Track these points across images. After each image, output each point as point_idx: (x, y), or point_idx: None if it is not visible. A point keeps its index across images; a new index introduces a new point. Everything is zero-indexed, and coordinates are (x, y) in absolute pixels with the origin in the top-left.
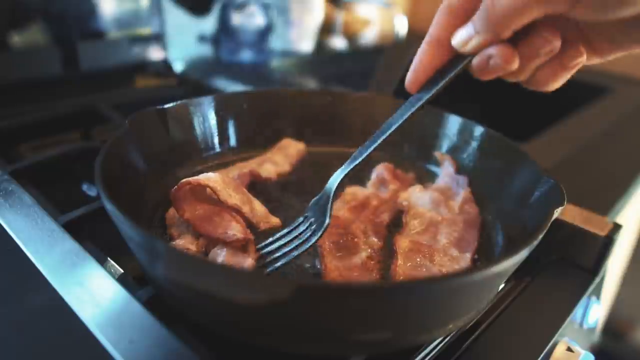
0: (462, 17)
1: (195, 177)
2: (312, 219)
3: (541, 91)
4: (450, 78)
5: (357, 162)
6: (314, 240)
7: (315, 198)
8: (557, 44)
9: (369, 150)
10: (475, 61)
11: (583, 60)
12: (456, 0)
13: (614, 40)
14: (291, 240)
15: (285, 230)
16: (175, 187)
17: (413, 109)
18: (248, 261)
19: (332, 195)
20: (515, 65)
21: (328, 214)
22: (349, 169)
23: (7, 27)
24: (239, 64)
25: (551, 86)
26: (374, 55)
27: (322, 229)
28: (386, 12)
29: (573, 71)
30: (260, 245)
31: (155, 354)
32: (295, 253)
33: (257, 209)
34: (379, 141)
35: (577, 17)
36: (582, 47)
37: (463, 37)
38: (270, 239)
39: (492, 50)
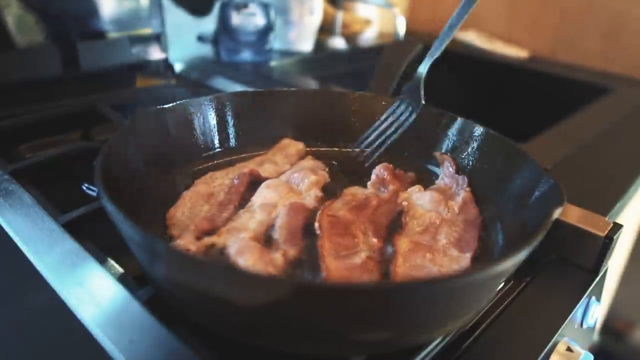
0: None
1: None
2: (408, 101)
3: None
4: None
5: (440, 48)
6: (412, 118)
7: (407, 85)
8: None
9: (449, 37)
10: None
11: None
12: None
13: None
14: (392, 124)
15: (384, 117)
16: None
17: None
18: (278, 258)
19: (422, 80)
20: None
21: (422, 96)
22: (434, 56)
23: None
24: (239, 64)
25: None
26: (374, 55)
27: (419, 109)
28: (386, 12)
29: None
30: (363, 136)
31: (155, 354)
32: (397, 134)
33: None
34: (456, 28)
35: None
36: None
37: None
38: (371, 128)
39: None
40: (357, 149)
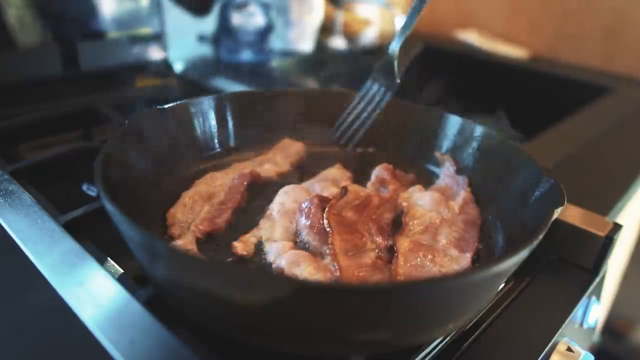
0: None
1: None
2: (380, 82)
3: None
4: None
5: (409, 26)
6: (387, 98)
7: (377, 64)
8: None
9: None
10: None
11: None
12: None
13: None
14: (365, 108)
15: (355, 101)
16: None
17: None
18: (327, 275)
19: (396, 58)
20: None
21: (397, 75)
22: (407, 32)
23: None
24: (239, 64)
25: None
26: (374, 55)
27: (396, 87)
28: (386, 12)
29: None
30: (338, 122)
31: (155, 354)
32: (371, 120)
33: None
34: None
35: None
36: None
37: None
38: (345, 112)
39: None
40: (335, 135)
